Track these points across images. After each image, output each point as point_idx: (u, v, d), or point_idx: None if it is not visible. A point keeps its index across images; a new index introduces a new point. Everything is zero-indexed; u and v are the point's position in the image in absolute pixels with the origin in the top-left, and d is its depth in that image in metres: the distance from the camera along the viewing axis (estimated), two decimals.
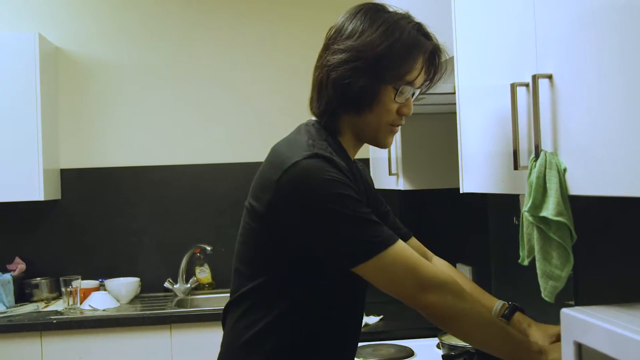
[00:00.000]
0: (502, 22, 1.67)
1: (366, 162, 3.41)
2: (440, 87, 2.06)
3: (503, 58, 1.67)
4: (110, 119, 4.01)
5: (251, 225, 1.58)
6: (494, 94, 1.72)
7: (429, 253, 1.99)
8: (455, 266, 3.10)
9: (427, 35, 1.64)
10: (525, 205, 1.43)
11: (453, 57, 2.09)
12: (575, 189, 1.35)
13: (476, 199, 2.76)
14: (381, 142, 1.67)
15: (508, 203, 2.47)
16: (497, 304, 1.84)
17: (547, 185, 1.39)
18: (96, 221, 3.94)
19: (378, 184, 3.15)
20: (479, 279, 2.92)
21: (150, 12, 4.06)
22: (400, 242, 1.49)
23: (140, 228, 3.96)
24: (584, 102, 1.30)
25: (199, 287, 3.92)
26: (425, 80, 1.66)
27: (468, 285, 1.87)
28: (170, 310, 3.44)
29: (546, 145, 1.43)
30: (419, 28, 1.62)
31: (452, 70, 2.06)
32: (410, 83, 1.59)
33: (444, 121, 2.68)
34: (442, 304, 1.49)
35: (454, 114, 2.56)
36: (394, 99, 1.58)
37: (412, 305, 1.51)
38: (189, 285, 3.82)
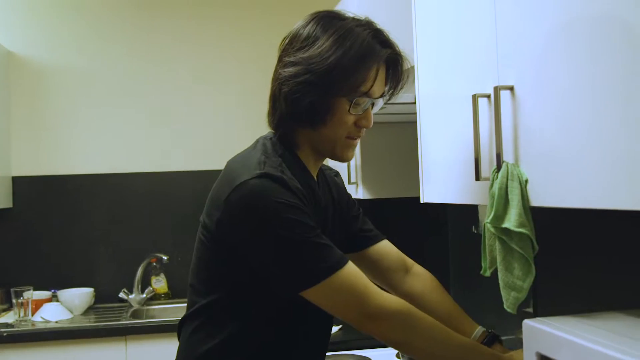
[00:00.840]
0: (463, 33, 1.68)
1: None
2: (401, 96, 2.06)
3: (464, 69, 1.67)
4: (65, 125, 3.93)
5: (204, 241, 1.54)
6: (455, 105, 1.73)
7: (409, 261, 1.90)
8: None
9: (385, 43, 1.55)
10: (487, 217, 1.43)
11: (413, 66, 2.10)
12: (536, 201, 1.36)
13: (435, 208, 2.78)
14: (340, 156, 1.60)
15: (467, 212, 2.49)
16: (478, 330, 1.76)
17: (509, 196, 1.39)
18: (49, 230, 3.85)
19: None
20: None
21: (107, 16, 4.00)
22: (348, 267, 1.44)
23: (95, 237, 3.88)
24: (546, 114, 1.31)
25: (155, 297, 3.85)
26: (387, 90, 1.60)
27: (445, 305, 1.79)
28: (125, 321, 3.37)
29: (508, 156, 1.43)
30: (377, 35, 1.54)
31: (413, 79, 2.07)
32: (366, 94, 1.51)
33: (404, 130, 2.69)
34: (389, 334, 1.47)
35: (414, 123, 2.59)
36: (349, 111, 1.50)
37: (361, 330, 1.48)
38: (144, 295, 3.75)
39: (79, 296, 3.59)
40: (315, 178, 1.64)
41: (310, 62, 1.46)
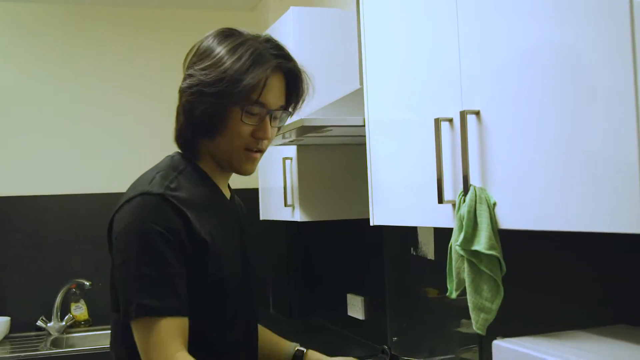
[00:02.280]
0: (421, 57, 1.70)
1: (255, 192, 3.36)
2: (349, 119, 2.07)
3: (422, 93, 1.69)
4: None
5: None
6: (411, 128, 1.74)
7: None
8: (345, 297, 3.12)
9: (278, 53, 1.55)
10: (456, 240, 1.45)
11: (362, 88, 2.12)
12: (505, 223, 1.39)
13: (370, 230, 2.80)
14: (238, 169, 1.59)
15: (405, 234, 2.51)
16: (293, 346, 1.83)
17: (478, 219, 1.41)
18: None
19: (269, 215, 3.13)
20: (372, 309, 2.95)
21: (30, 33, 3.84)
22: (167, 320, 1.38)
23: (8, 262, 3.69)
24: (513, 139, 1.35)
25: (75, 325, 3.70)
26: (287, 103, 1.60)
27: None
28: (45, 351, 3.23)
29: (474, 179, 1.46)
30: (270, 46, 1.55)
31: (361, 102, 2.08)
32: (258, 102, 1.51)
33: (342, 152, 2.70)
34: None
35: (354, 145, 2.61)
36: (242, 119, 1.50)
37: None
38: (64, 323, 3.59)
39: None
40: (226, 192, 1.67)
41: (202, 72, 1.49)
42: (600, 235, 1.15)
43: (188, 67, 1.55)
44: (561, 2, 1.20)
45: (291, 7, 2.70)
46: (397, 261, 2.64)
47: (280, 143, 2.58)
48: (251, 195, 3.57)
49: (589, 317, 1.59)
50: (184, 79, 1.54)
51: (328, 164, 2.69)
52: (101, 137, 3.88)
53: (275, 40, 1.59)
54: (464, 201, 1.45)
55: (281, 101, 1.57)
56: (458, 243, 1.43)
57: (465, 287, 1.47)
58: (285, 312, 3.85)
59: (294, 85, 1.59)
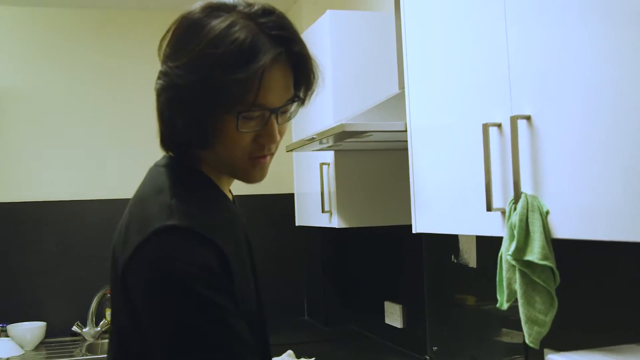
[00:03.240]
0: (467, 59, 1.65)
1: (290, 197, 3.33)
2: (391, 124, 2.03)
3: (468, 97, 1.64)
4: (11, 151, 3.76)
5: (115, 282, 1.23)
6: (457, 134, 1.69)
7: None
8: (383, 304, 3.07)
9: (277, 38, 1.17)
10: (507, 249, 1.40)
11: (402, 92, 2.07)
12: (558, 232, 1.33)
13: (408, 237, 2.75)
14: (244, 178, 1.28)
15: (445, 241, 2.45)
16: None
17: (530, 228, 1.36)
18: None
19: (306, 221, 3.09)
20: (411, 318, 2.90)
21: (60, 39, 3.86)
22: None
23: (45, 268, 3.71)
24: (567, 145, 1.29)
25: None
26: (294, 95, 1.25)
27: None
28: (80, 356, 3.24)
29: (525, 187, 1.41)
30: (272, 25, 1.17)
31: (401, 106, 2.04)
32: (255, 104, 1.16)
33: (381, 158, 2.66)
34: None
35: (393, 150, 2.56)
36: (237, 128, 1.16)
37: None
38: (99, 328, 3.59)
39: (30, 330, 3.42)
40: (231, 198, 1.37)
41: (178, 73, 1.14)
42: None
43: (162, 60, 1.21)
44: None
45: (328, 11, 2.67)
46: (437, 269, 2.59)
47: (317, 148, 2.55)
48: (286, 201, 3.56)
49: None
50: (158, 77, 1.20)
51: (366, 170, 2.65)
52: (138, 141, 3.87)
53: (275, 12, 1.20)
54: (515, 209, 1.40)
55: (288, 93, 1.22)
56: (509, 253, 1.38)
57: (516, 298, 1.41)
58: (320, 319, 3.81)
59: (302, 70, 1.24)
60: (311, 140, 2.24)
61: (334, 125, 2.06)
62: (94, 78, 3.90)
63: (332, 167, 2.64)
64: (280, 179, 3.63)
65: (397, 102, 2.14)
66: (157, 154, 1.32)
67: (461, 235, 2.35)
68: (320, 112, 2.66)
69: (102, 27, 3.94)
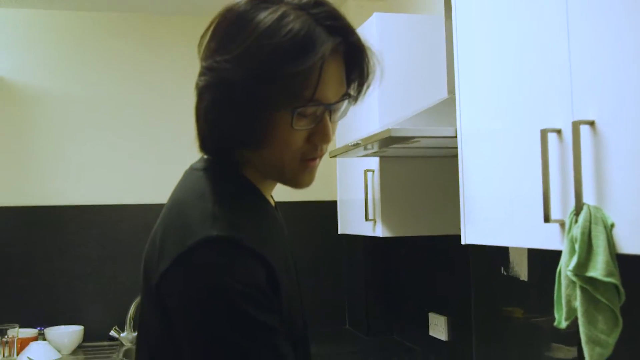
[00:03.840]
0: (523, 62, 1.56)
1: (333, 204, 3.26)
2: (440, 130, 1.94)
3: (524, 101, 1.55)
4: (53, 154, 3.76)
5: (145, 292, 1.15)
6: (511, 140, 1.60)
7: None
8: (427, 316, 2.98)
9: (333, 28, 1.10)
10: (567, 264, 1.30)
11: (451, 97, 1.99)
12: (625, 248, 1.24)
13: (455, 247, 2.65)
14: (292, 182, 1.18)
15: (494, 253, 2.36)
16: None
17: (593, 242, 1.26)
18: (34, 264, 3.64)
19: (349, 229, 3.01)
20: (455, 330, 2.80)
21: (98, 42, 3.85)
22: None
23: (84, 272, 3.69)
24: (634, 152, 1.20)
25: None
26: (352, 89, 1.19)
27: None
28: None
29: (588, 198, 1.31)
30: (326, 15, 1.10)
31: (449, 112, 1.95)
32: (313, 100, 1.08)
33: (428, 165, 2.57)
34: None
35: (441, 157, 2.48)
36: (292, 125, 1.08)
37: None
38: (136, 333, 3.55)
39: (68, 334, 3.39)
40: (273, 204, 1.29)
41: (228, 66, 1.06)
42: None
43: (206, 57, 1.13)
44: None
45: (375, 13, 2.59)
46: (485, 281, 2.49)
47: (362, 154, 2.47)
48: (329, 208, 3.48)
49: None
50: (201, 73, 1.12)
51: (412, 177, 2.56)
52: (176, 144, 3.85)
53: (326, 3, 1.13)
54: (576, 221, 1.30)
55: (342, 88, 1.15)
56: (570, 268, 1.28)
57: (576, 317, 1.32)
58: (362, 329, 3.72)
59: (356, 62, 1.16)
60: (356, 145, 2.17)
61: (380, 130, 1.99)
62: (135, 81, 3.88)
63: (376, 174, 2.57)
64: (323, 185, 3.56)
65: (446, 107, 2.05)
66: (191, 160, 1.25)
67: (512, 246, 2.25)
68: (366, 117, 2.59)
69: (143, 31, 3.92)
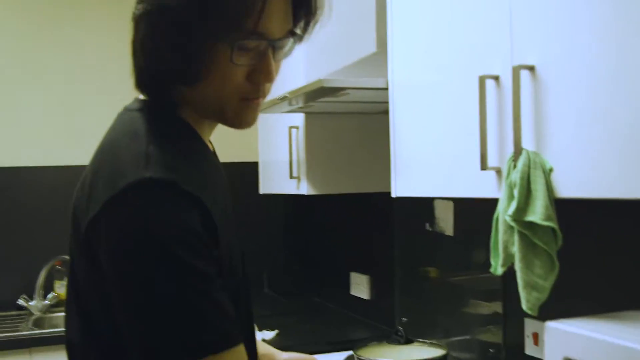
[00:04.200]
0: (459, 7, 1.55)
1: (254, 166, 3.20)
2: (372, 81, 1.92)
3: (460, 48, 1.54)
4: None
5: (75, 241, 1.09)
6: (445, 89, 1.60)
7: None
8: (349, 275, 2.98)
9: None
10: (506, 209, 1.30)
11: (384, 50, 1.96)
12: (563, 191, 1.25)
13: (378, 205, 2.65)
14: (232, 122, 1.12)
15: (419, 209, 2.36)
16: None
17: (532, 186, 1.27)
18: None
19: (270, 188, 2.97)
20: (379, 289, 2.81)
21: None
22: (239, 350, 0.98)
23: None
24: (575, 98, 1.21)
25: (59, 304, 3.51)
26: (294, 25, 1.11)
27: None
28: (26, 331, 3.05)
29: (527, 143, 1.31)
30: None
31: (380, 65, 1.93)
32: (255, 33, 1.02)
33: (354, 121, 2.55)
34: None
35: (367, 114, 2.46)
36: (232, 60, 1.02)
37: None
38: (47, 301, 3.41)
39: None
40: (212, 149, 1.23)
41: None
42: None
43: None
44: None
45: None
46: (409, 238, 2.50)
47: (286, 110, 2.42)
48: (249, 168, 3.42)
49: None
50: (138, 1, 1.06)
51: (338, 134, 2.54)
52: (82, 109, 3.67)
53: None
54: (515, 167, 1.30)
55: (287, 24, 1.08)
56: (509, 213, 1.28)
57: (513, 263, 1.33)
58: (281, 291, 3.70)
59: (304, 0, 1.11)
60: (283, 99, 2.11)
61: (309, 83, 1.94)
62: (30, 41, 3.69)
63: (301, 130, 2.53)
64: (243, 145, 3.49)
65: (376, 60, 2.03)
66: (101, 120, 1.17)
67: (437, 201, 2.26)
68: (290, 73, 2.53)
69: None
